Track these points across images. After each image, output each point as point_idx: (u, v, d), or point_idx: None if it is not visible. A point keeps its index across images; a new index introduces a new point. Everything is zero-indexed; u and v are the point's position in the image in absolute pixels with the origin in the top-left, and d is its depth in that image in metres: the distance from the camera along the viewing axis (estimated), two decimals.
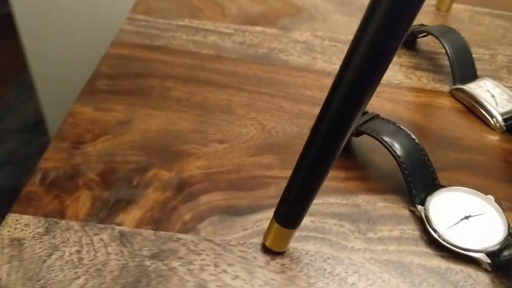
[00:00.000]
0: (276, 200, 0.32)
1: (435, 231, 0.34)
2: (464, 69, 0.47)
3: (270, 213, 0.32)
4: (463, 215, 0.35)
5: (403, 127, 0.38)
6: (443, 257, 0.34)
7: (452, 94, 0.47)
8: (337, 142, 0.27)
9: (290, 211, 0.31)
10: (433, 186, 0.37)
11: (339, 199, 0.37)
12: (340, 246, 0.34)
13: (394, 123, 0.39)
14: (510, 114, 0.44)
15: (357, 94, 0.25)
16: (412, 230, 0.35)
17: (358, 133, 0.39)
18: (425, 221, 0.35)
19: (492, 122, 0.44)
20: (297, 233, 0.34)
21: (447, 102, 0.47)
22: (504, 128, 0.44)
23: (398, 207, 0.37)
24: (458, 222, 0.35)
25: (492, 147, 0.43)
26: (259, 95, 0.46)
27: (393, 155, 0.37)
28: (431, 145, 0.42)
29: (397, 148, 0.37)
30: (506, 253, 0.33)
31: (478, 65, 0.50)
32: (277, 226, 0.32)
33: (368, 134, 0.38)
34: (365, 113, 0.41)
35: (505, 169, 0.41)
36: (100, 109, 0.43)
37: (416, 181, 0.37)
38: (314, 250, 0.34)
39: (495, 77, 0.50)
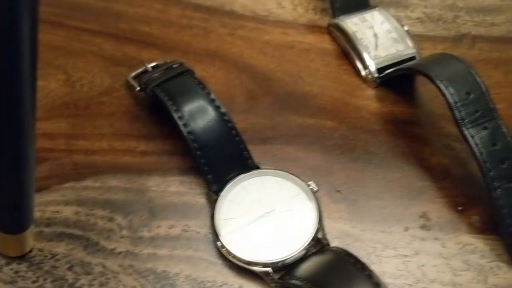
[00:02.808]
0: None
1: (216, 233, 0.27)
2: None
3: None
4: (263, 211, 0.27)
5: (208, 90, 0.29)
6: (225, 267, 0.27)
7: (329, 31, 0.37)
8: None
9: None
10: (242, 168, 0.29)
11: (124, 181, 0.30)
12: (97, 248, 0.27)
13: (199, 84, 0.29)
14: (390, 61, 0.33)
15: None
16: (199, 227, 0.28)
17: (154, 94, 0.30)
18: (210, 217, 0.27)
19: (363, 73, 0.34)
20: (51, 229, 0.28)
21: (318, 42, 0.36)
22: (378, 81, 0.33)
23: (194, 194, 0.29)
24: (251, 222, 0.27)
25: (354, 109, 0.33)
26: (80, 33, 0.36)
27: (181, 130, 0.28)
28: (275, 105, 0.33)
29: (193, 121, 0.28)
30: (299, 273, 0.25)
31: None
32: None
33: (160, 98, 0.29)
34: (180, 64, 0.32)
35: (354, 142, 0.31)
36: None
37: (215, 163, 0.28)
38: (63, 253, 0.27)
39: (399, 4, 0.38)
